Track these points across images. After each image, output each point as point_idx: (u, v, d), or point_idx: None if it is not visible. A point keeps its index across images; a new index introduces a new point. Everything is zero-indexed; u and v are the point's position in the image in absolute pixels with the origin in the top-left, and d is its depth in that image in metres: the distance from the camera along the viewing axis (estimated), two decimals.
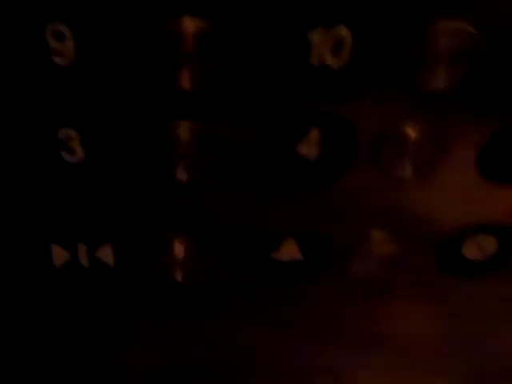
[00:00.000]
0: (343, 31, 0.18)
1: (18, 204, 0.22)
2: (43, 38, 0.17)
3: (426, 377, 0.28)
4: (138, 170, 0.21)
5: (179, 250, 0.23)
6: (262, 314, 0.26)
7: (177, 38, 0.18)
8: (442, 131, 0.21)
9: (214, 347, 0.27)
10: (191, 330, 0.26)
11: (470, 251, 0.24)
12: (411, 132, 0.20)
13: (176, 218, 0.23)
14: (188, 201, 0.22)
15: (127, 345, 0.26)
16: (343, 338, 0.27)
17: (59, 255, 0.23)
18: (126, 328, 0.26)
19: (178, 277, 0.24)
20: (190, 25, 0.17)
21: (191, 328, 0.26)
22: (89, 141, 0.20)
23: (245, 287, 0.25)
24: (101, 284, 0.24)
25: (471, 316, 0.26)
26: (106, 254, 0.23)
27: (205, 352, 0.27)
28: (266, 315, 0.26)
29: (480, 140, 0.21)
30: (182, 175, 0.21)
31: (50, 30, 0.17)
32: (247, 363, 0.27)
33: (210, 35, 0.18)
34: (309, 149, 0.21)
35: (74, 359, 0.27)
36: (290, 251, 0.23)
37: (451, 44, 0.18)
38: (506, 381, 0.29)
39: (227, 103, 0.20)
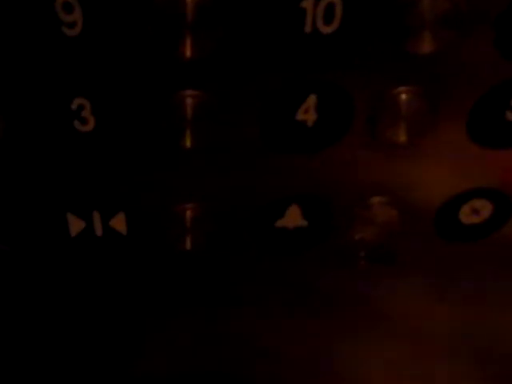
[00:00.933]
0: None
1: (33, 175, 0.23)
2: (53, 10, 0.18)
3: (425, 347, 0.29)
4: (146, 138, 0.22)
5: (188, 216, 0.24)
6: (267, 292, 0.27)
7: (178, 8, 0.19)
8: (432, 95, 0.22)
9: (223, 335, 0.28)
10: (201, 321, 0.27)
11: (467, 216, 0.25)
12: (403, 96, 0.21)
13: (183, 186, 0.24)
14: (194, 168, 0.23)
15: (136, 347, 0.27)
16: (345, 313, 0.28)
17: (75, 224, 0.24)
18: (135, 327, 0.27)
19: (188, 245, 0.25)
20: None
21: (201, 318, 0.27)
22: (100, 110, 0.21)
23: (251, 260, 0.26)
24: (114, 255, 0.25)
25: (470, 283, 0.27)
26: (120, 223, 0.24)
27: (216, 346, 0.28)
28: (271, 292, 0.27)
29: (469, 103, 0.22)
30: (187, 143, 0.22)
31: (59, 2, 0.18)
32: (250, 344, 0.28)
33: (210, 4, 0.19)
34: (307, 114, 0.22)
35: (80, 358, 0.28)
36: (294, 217, 0.25)
37: (438, 7, 0.19)
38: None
39: (227, 72, 0.21)
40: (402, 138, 0.22)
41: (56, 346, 0.28)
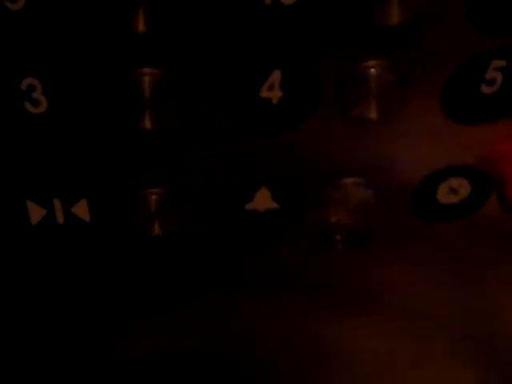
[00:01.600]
0: None
1: None
2: None
3: (402, 324, 0.28)
4: (104, 119, 0.21)
5: (153, 202, 0.23)
6: (237, 276, 0.26)
7: None
8: (403, 69, 0.21)
9: (200, 319, 0.27)
10: (176, 304, 0.26)
11: (445, 196, 0.24)
12: (372, 70, 0.20)
13: (147, 169, 0.23)
14: (157, 151, 0.22)
15: (120, 331, 0.27)
16: (322, 296, 0.27)
17: (35, 212, 0.23)
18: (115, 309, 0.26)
19: (156, 230, 0.24)
20: None
21: (176, 301, 0.26)
22: (52, 90, 0.20)
23: (221, 244, 0.25)
24: (77, 243, 0.24)
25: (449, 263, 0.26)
26: (82, 210, 0.23)
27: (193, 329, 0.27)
28: (242, 276, 0.26)
29: (443, 77, 0.21)
30: (148, 124, 0.21)
31: None
32: (226, 331, 0.27)
33: None
34: (271, 92, 0.21)
35: (66, 343, 0.27)
36: (264, 200, 0.24)
37: None
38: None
39: (187, 48, 0.20)
40: (373, 114, 0.21)
41: (39, 332, 0.27)
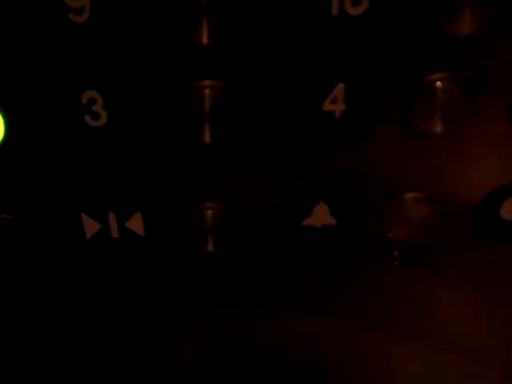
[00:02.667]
0: None
1: (46, 175, 0.22)
2: None
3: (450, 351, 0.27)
4: (162, 133, 0.21)
5: (208, 217, 0.23)
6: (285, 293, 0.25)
7: None
8: (470, 82, 0.20)
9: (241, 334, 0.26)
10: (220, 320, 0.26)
11: (509, 213, 0.23)
12: (438, 83, 0.20)
13: (203, 184, 0.22)
14: (215, 165, 0.22)
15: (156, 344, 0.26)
16: (379, 314, 0.26)
17: (90, 226, 0.23)
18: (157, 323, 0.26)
19: (210, 247, 0.24)
20: None
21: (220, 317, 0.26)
22: (113, 103, 0.20)
23: (277, 261, 0.25)
24: (131, 257, 0.24)
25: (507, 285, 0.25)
26: (136, 224, 0.23)
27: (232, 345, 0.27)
28: (298, 293, 0.25)
29: (510, 91, 0.20)
30: (207, 138, 0.21)
31: None
32: (267, 346, 0.27)
33: None
34: (334, 105, 0.20)
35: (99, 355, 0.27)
36: (321, 215, 0.23)
37: None
38: None
39: (250, 60, 0.19)
40: (438, 128, 0.21)
41: (79, 345, 0.27)
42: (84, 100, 0.19)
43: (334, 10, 0.18)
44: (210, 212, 0.23)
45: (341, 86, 0.20)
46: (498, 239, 0.24)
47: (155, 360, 0.27)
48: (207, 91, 0.20)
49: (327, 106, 0.20)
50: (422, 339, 0.27)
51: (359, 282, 0.25)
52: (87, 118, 0.20)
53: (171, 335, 0.27)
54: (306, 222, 0.23)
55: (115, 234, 0.23)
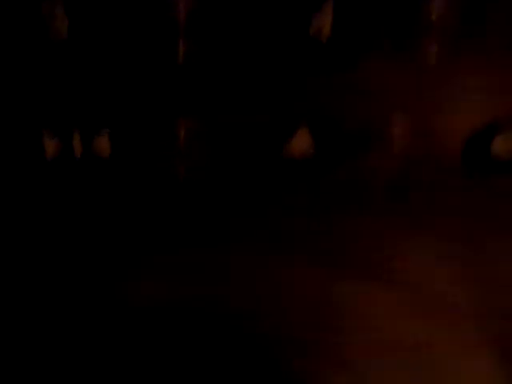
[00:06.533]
0: None
1: (8, 89, 0.20)
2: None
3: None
4: (135, 46, 0.19)
5: (181, 135, 0.21)
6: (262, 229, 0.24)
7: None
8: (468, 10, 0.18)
9: (212, 273, 0.25)
10: (190, 256, 0.24)
11: (500, 147, 0.22)
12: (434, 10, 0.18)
13: (178, 100, 0.21)
14: (190, 82, 0.20)
15: (126, 277, 0.25)
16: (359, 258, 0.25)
17: (51, 144, 0.21)
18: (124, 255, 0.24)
19: (180, 172, 0.22)
20: None
21: (190, 254, 0.24)
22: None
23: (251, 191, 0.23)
24: (95, 180, 0.22)
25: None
26: (102, 143, 0.22)
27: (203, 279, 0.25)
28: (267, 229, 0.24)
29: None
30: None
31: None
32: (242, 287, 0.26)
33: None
34: (322, 26, 0.18)
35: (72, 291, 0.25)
36: (302, 141, 0.22)
37: None
38: None
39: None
40: (432, 56, 0.19)
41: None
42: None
43: None
44: (183, 130, 0.21)
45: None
46: (488, 174, 0.23)
47: (118, 294, 0.26)
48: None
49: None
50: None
51: (338, 219, 0.24)
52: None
53: (127, 264, 0.25)
54: (287, 149, 0.22)
55: (78, 153, 0.21)
